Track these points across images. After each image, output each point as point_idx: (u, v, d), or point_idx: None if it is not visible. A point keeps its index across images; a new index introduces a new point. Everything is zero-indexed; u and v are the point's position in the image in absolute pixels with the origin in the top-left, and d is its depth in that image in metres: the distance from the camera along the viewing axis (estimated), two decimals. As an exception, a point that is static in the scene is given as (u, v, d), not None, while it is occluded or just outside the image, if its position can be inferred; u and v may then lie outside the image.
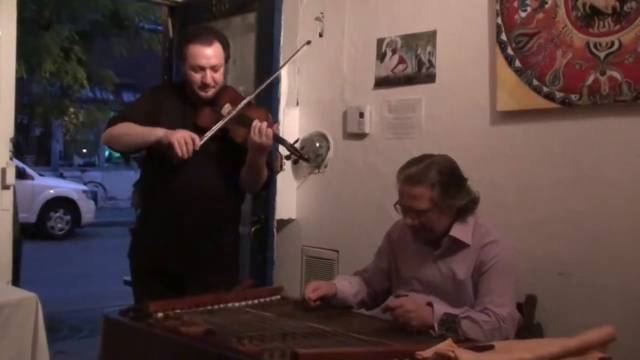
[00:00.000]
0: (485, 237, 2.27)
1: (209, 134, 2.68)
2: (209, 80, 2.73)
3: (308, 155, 2.73)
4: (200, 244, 2.77)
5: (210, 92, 2.77)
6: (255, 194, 3.30)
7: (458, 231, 2.28)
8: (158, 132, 2.69)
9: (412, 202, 2.24)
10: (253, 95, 2.87)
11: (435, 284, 2.29)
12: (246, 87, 3.46)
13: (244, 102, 2.76)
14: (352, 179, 3.44)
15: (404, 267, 2.40)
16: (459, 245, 2.28)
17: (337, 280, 2.50)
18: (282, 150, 3.13)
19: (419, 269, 2.34)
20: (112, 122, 2.83)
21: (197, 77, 2.74)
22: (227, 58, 2.83)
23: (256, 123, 2.62)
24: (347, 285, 2.46)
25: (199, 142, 2.63)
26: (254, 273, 3.46)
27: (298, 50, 3.23)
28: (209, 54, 2.73)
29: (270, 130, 2.61)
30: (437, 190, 2.21)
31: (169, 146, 2.61)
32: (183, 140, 2.60)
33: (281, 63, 3.48)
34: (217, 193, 2.78)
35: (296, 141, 2.71)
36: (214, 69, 2.74)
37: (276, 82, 3.54)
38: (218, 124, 2.70)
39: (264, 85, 2.96)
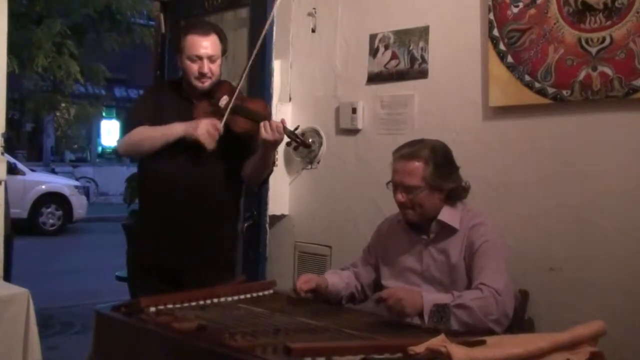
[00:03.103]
0: (472, 220, 2.33)
1: (226, 114, 2.68)
2: (206, 69, 2.73)
3: (309, 141, 2.75)
4: (199, 240, 2.76)
5: (207, 83, 2.77)
6: (249, 190, 3.29)
7: (446, 216, 2.32)
8: (178, 129, 2.70)
9: (404, 177, 2.29)
10: (244, 75, 2.87)
11: (430, 272, 2.32)
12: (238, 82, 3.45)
13: (239, 85, 2.77)
14: (344, 174, 3.44)
15: (396, 260, 2.41)
16: (448, 230, 2.32)
17: (328, 275, 2.53)
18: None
19: (412, 260, 2.36)
20: (125, 132, 2.83)
21: (194, 67, 2.74)
22: (224, 51, 2.83)
23: (265, 122, 2.62)
24: (337, 279, 2.49)
25: (221, 126, 2.65)
26: (246, 269, 3.46)
27: None
28: (206, 44, 2.73)
29: (280, 125, 2.62)
30: (430, 169, 2.27)
31: (195, 142, 2.63)
32: (207, 133, 2.63)
33: (273, 56, 3.48)
34: (216, 187, 2.77)
35: (296, 128, 2.73)
36: (210, 59, 2.74)
37: (269, 78, 3.54)
38: (229, 105, 2.70)
39: (252, 58, 2.90)
